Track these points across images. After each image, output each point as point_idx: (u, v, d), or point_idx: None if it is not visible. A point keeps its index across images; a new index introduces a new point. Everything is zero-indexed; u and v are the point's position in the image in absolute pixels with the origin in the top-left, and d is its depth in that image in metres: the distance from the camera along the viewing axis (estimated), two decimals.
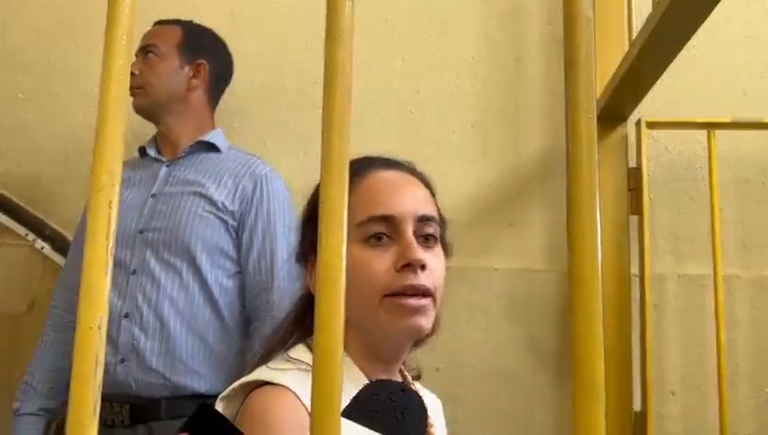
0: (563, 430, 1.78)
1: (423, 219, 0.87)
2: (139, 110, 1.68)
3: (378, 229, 0.85)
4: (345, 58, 0.37)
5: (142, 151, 1.74)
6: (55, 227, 2.00)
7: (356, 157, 0.90)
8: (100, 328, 0.32)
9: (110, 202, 0.34)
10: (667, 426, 1.74)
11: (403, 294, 0.83)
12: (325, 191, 0.36)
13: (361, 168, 0.90)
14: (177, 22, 1.75)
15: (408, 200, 0.88)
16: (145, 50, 1.69)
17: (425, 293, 0.84)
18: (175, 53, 1.69)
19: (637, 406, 1.66)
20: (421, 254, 0.84)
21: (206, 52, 1.73)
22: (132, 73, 1.61)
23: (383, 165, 0.92)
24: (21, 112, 2.10)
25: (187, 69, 1.69)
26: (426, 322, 0.84)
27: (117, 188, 0.35)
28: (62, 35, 2.11)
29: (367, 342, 0.86)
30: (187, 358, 1.51)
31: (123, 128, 0.36)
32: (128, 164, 1.72)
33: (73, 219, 1.86)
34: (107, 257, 0.33)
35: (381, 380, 0.65)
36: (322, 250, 0.35)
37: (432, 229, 0.89)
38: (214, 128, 1.74)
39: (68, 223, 1.98)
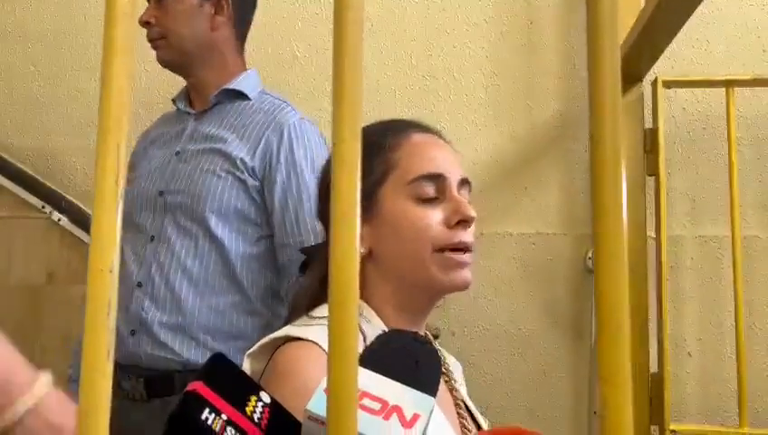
0: (579, 393, 1.78)
1: (463, 182, 0.91)
2: (165, 63, 1.50)
3: (429, 186, 0.87)
4: None
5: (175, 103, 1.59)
6: (71, 199, 2.01)
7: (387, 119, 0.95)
8: (111, 271, 0.32)
9: (119, 145, 0.33)
10: (684, 387, 1.73)
11: (456, 249, 0.86)
12: (337, 132, 0.35)
13: (402, 127, 0.93)
14: None
15: (451, 162, 0.91)
16: None
17: (469, 249, 0.87)
18: None
19: (654, 368, 1.65)
20: (473, 211, 0.87)
21: None
22: (147, 23, 1.46)
23: (420, 128, 0.95)
24: (34, 86, 2.11)
25: (207, 6, 1.48)
26: (470, 276, 0.88)
27: (125, 129, 0.34)
28: (71, 8, 2.09)
29: (400, 295, 0.88)
30: (200, 332, 1.38)
31: (131, 67, 0.35)
32: (163, 119, 1.59)
33: (89, 191, 1.87)
34: (117, 198, 0.32)
35: (394, 329, 0.65)
36: (334, 194, 0.34)
37: (468, 192, 0.92)
38: (244, 69, 1.54)
39: (84, 195, 2.00)
